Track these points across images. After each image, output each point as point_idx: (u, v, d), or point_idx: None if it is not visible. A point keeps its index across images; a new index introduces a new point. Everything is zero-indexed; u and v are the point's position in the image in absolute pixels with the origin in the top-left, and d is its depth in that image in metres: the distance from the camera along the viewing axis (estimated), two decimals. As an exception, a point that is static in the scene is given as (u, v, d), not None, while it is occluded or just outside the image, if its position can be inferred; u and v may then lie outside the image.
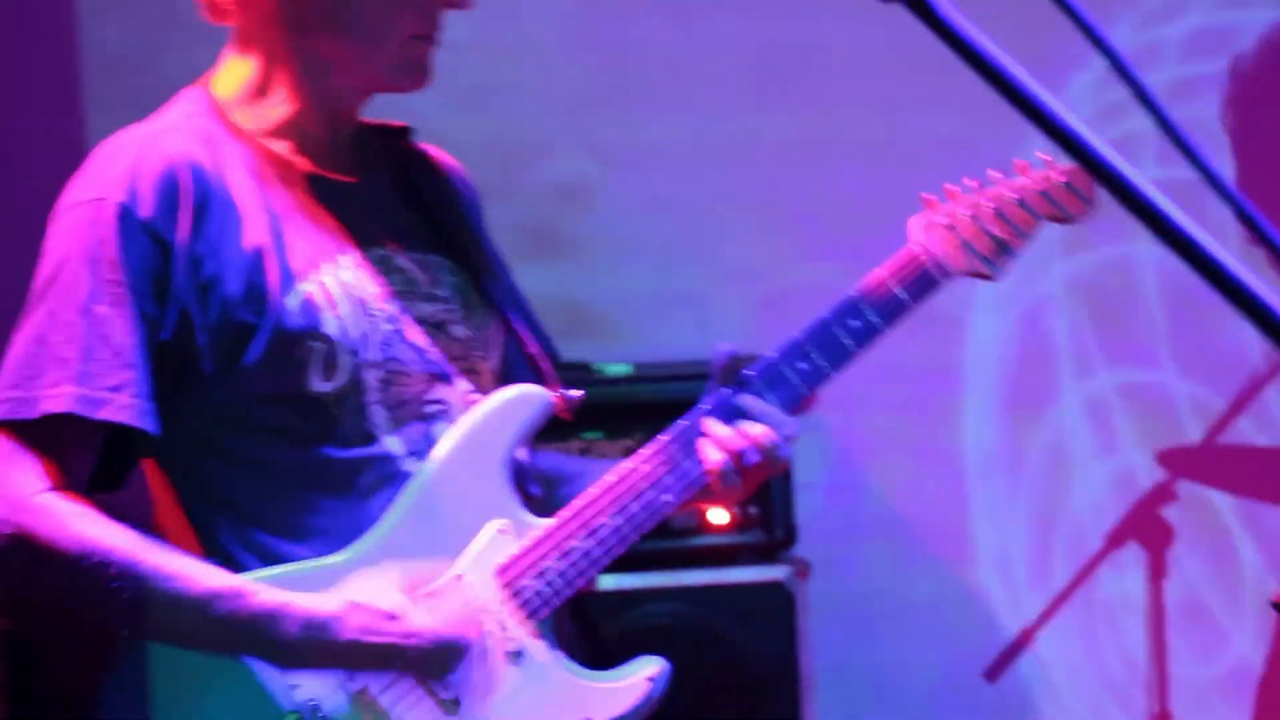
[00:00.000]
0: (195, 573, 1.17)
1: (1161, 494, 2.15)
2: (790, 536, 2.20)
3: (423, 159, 1.38)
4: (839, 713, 2.37)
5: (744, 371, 1.27)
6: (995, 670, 2.28)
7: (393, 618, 1.18)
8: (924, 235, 1.31)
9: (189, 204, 1.19)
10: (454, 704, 1.22)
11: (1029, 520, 2.47)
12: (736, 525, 2.18)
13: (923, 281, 1.30)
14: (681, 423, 1.27)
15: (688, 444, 1.26)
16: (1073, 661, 2.44)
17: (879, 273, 1.30)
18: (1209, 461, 2.25)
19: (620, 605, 2.15)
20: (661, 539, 2.10)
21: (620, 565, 1.74)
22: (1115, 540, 2.15)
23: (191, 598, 1.17)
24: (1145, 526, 2.13)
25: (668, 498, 1.25)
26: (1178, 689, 2.21)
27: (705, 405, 1.26)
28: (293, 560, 1.22)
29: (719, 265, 2.55)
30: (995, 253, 1.33)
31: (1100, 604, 2.32)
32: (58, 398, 1.14)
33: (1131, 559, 2.23)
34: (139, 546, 1.17)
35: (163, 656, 1.24)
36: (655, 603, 2.16)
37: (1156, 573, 2.09)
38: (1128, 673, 2.27)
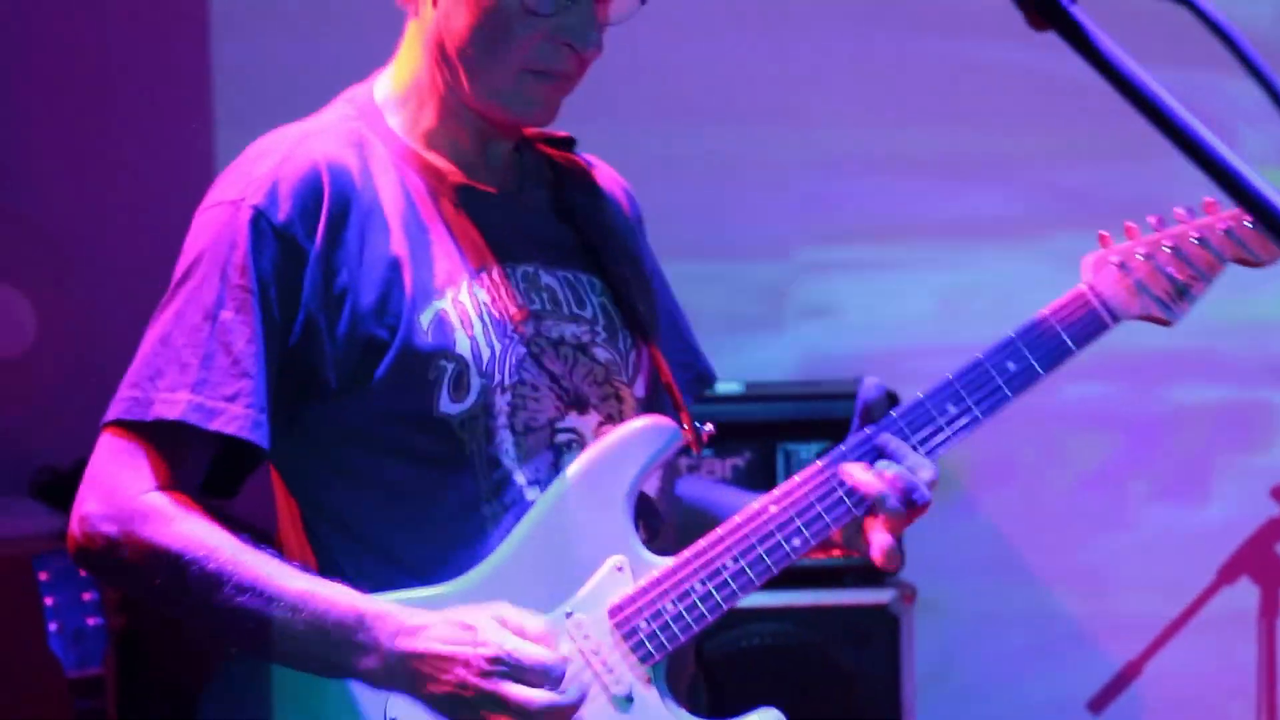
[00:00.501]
0: (293, 582, 1.13)
1: (1276, 529, 2.10)
2: (899, 561, 2.13)
3: (583, 173, 1.34)
4: None
5: (890, 412, 1.19)
6: (1101, 701, 2.25)
7: (493, 646, 1.11)
8: (1094, 275, 1.22)
9: (329, 210, 1.16)
10: None
11: (1139, 548, 2.41)
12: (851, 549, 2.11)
13: (1089, 324, 1.22)
14: (819, 464, 1.20)
15: (824, 487, 1.19)
16: (1180, 695, 2.34)
17: (1043, 312, 1.21)
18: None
19: (724, 624, 2.07)
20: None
21: None
22: (1228, 574, 2.11)
23: (283, 610, 1.13)
24: (1259, 561, 2.09)
25: (796, 543, 1.18)
26: None
27: (844, 446, 1.19)
28: (401, 589, 1.17)
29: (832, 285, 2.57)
30: (1172, 296, 1.24)
31: (1211, 638, 2.24)
32: (173, 404, 1.12)
33: (1244, 593, 2.17)
34: (241, 549, 1.14)
35: (275, 677, 1.22)
36: (760, 622, 2.15)
37: (1269, 609, 2.04)
38: (1236, 709, 2.21)
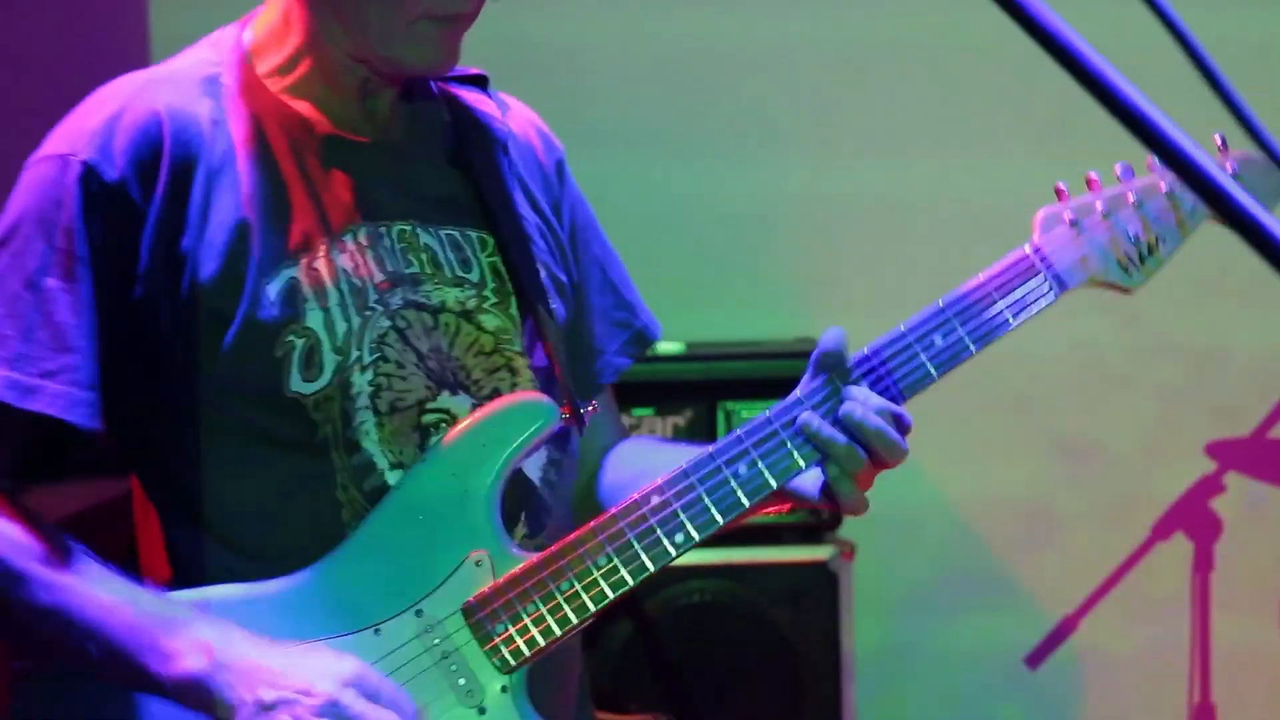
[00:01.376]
0: (104, 582, 1.05)
1: (1210, 486, 2.18)
2: (835, 518, 2.22)
3: (489, 116, 1.23)
4: (880, 694, 2.44)
5: (861, 353, 1.08)
6: (1037, 656, 2.31)
7: (323, 678, 1.02)
8: (1043, 233, 1.10)
9: (170, 166, 1.07)
10: None
11: (1077, 508, 2.49)
12: (792, 507, 2.13)
13: (1031, 293, 1.11)
14: (770, 412, 1.08)
15: (777, 428, 1.08)
16: (1116, 650, 2.45)
17: (979, 278, 1.10)
18: (1258, 454, 2.28)
19: (662, 581, 2.08)
20: (758, 520, 2.25)
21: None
22: (1162, 531, 2.19)
23: (91, 609, 1.05)
24: (1193, 518, 2.16)
25: (722, 496, 1.08)
26: (1220, 680, 2.24)
27: (799, 395, 1.08)
28: (239, 576, 1.10)
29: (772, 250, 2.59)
30: (1134, 260, 1.13)
31: (1145, 594, 2.33)
32: None
33: (1178, 550, 2.26)
34: (52, 545, 1.06)
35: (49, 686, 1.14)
36: (698, 579, 2.17)
37: (1202, 565, 2.12)
38: (1170, 662, 2.30)
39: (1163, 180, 1.12)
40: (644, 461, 1.20)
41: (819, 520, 2.20)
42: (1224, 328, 2.56)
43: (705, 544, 1.09)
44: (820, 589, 2.19)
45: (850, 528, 2.24)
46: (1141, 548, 2.28)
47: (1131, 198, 1.11)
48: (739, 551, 2.17)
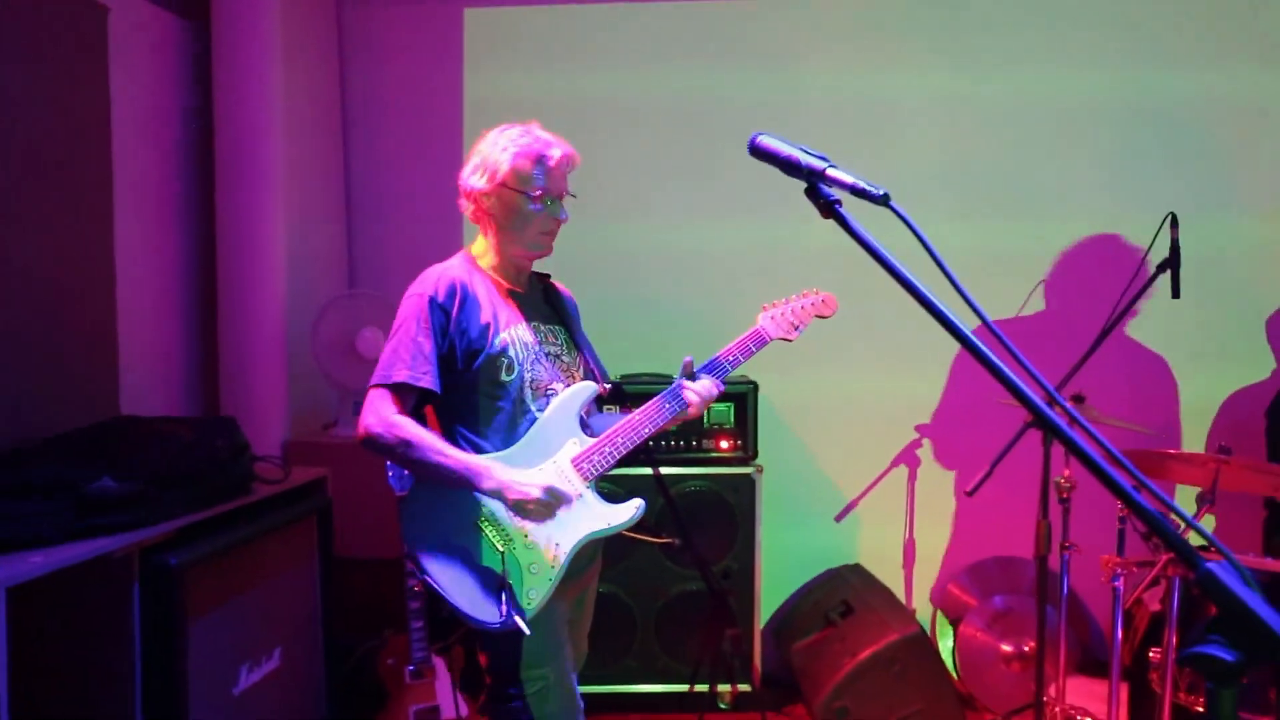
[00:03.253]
0: (451, 451, 2.11)
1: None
2: (754, 454, 3.66)
3: (554, 287, 2.41)
4: (774, 532, 3.85)
5: (697, 369, 2.26)
6: (840, 515, 4.13)
7: (530, 482, 2.10)
8: (762, 319, 2.34)
9: (458, 298, 2.16)
10: (553, 517, 2.14)
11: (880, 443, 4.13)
12: (734, 448, 3.64)
13: (759, 341, 2.31)
14: (668, 390, 2.23)
15: (673, 397, 2.22)
16: (878, 517, 4.09)
17: (742, 337, 2.31)
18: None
19: (677, 481, 3.57)
20: (700, 452, 3.63)
21: (678, 463, 3.52)
22: (896, 461, 4.17)
23: (447, 463, 2.09)
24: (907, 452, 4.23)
25: (650, 429, 2.21)
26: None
27: (680, 381, 2.23)
28: (486, 452, 2.17)
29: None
30: (790, 330, 2.35)
31: (886, 492, 4.15)
32: (402, 374, 2.11)
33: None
34: (429, 436, 2.10)
35: (426, 492, 2.16)
36: (693, 481, 3.60)
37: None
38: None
39: (804, 301, 2.37)
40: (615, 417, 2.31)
41: (747, 454, 3.62)
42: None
43: (651, 444, 2.26)
44: (747, 486, 3.62)
45: (763, 459, 3.65)
46: (891, 465, 4.30)
47: (794, 306, 2.35)
48: (712, 469, 3.58)
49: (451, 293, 2.18)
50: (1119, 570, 2.96)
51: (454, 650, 3.23)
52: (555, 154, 2.23)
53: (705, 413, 3.66)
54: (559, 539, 2.16)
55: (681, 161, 4.11)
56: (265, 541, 2.78)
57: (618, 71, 4.07)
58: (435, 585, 2.10)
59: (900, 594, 4.05)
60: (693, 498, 3.61)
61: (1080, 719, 3.51)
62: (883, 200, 1.28)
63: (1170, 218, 3.17)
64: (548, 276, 2.42)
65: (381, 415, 2.11)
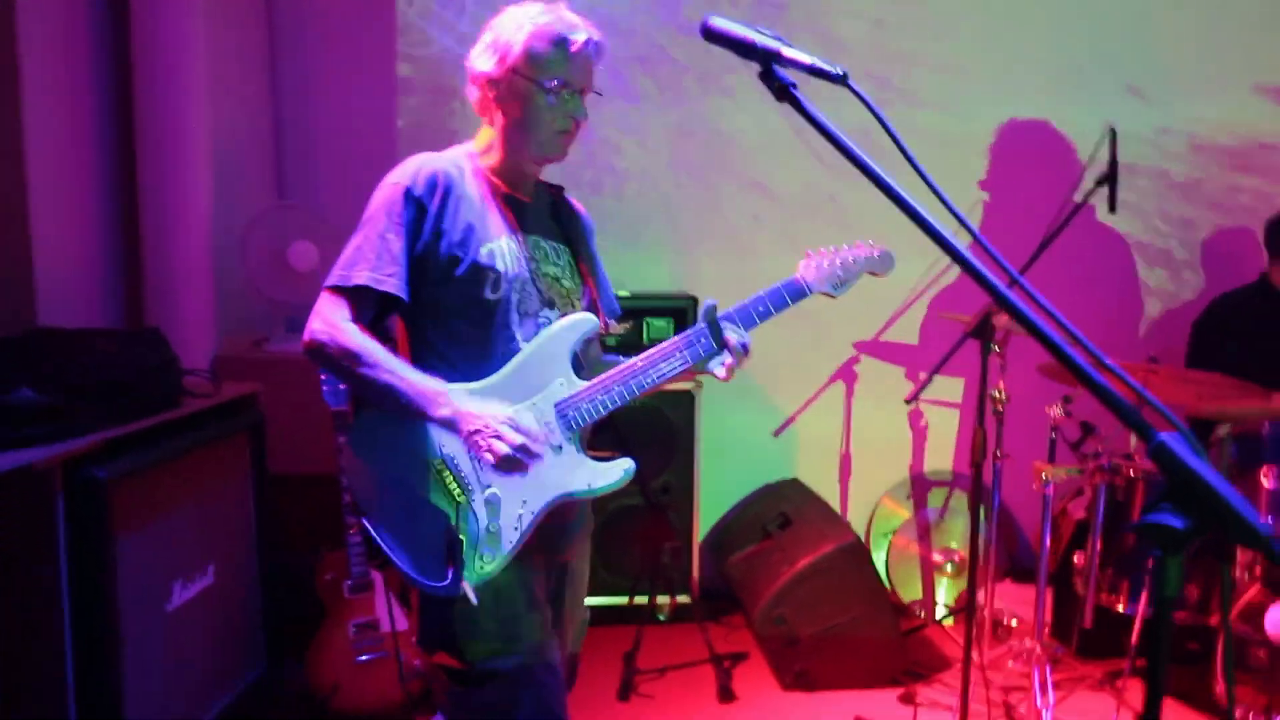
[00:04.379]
0: (405, 371, 1.76)
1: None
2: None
3: (566, 202, 2.06)
4: (713, 447, 3.88)
5: (724, 313, 1.87)
6: (778, 431, 4.23)
7: (497, 415, 1.74)
8: (802, 268, 1.99)
9: (440, 192, 1.82)
10: (519, 468, 1.75)
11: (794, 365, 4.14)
12: None
13: (798, 292, 1.96)
14: (676, 337, 1.87)
15: (694, 342, 1.85)
16: (815, 433, 4.22)
17: (777, 284, 1.95)
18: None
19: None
20: None
21: None
22: (833, 378, 4.23)
23: (398, 384, 1.75)
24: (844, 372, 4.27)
25: (652, 381, 1.85)
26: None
27: (696, 330, 1.85)
28: (458, 382, 1.79)
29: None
30: (837, 284, 2.01)
31: (824, 407, 4.34)
32: (361, 276, 1.77)
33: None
34: (384, 354, 1.76)
35: (378, 419, 1.82)
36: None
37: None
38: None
39: (851, 251, 2.01)
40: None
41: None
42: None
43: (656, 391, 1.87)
44: (687, 401, 3.72)
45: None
46: (824, 385, 4.23)
47: (839, 257, 2.00)
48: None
49: (432, 185, 1.84)
50: (1049, 478, 3.04)
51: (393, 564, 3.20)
52: (579, 38, 1.87)
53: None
54: (526, 496, 1.80)
55: (670, 73, 4.00)
56: (196, 457, 2.71)
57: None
58: (373, 531, 1.80)
59: (837, 507, 4.11)
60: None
61: (1009, 621, 3.64)
62: (841, 80, 1.24)
63: (1111, 132, 3.20)
64: (560, 189, 2.06)
65: (329, 320, 1.78)
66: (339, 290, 1.81)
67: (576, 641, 2.11)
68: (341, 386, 2.88)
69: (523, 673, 1.80)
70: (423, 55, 4.03)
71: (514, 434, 1.74)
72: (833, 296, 2.01)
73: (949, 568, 4.04)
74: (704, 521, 3.90)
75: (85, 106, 3.20)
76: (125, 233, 3.37)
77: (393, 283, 1.80)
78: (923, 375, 3.33)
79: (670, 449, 3.71)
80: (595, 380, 1.86)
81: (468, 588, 1.75)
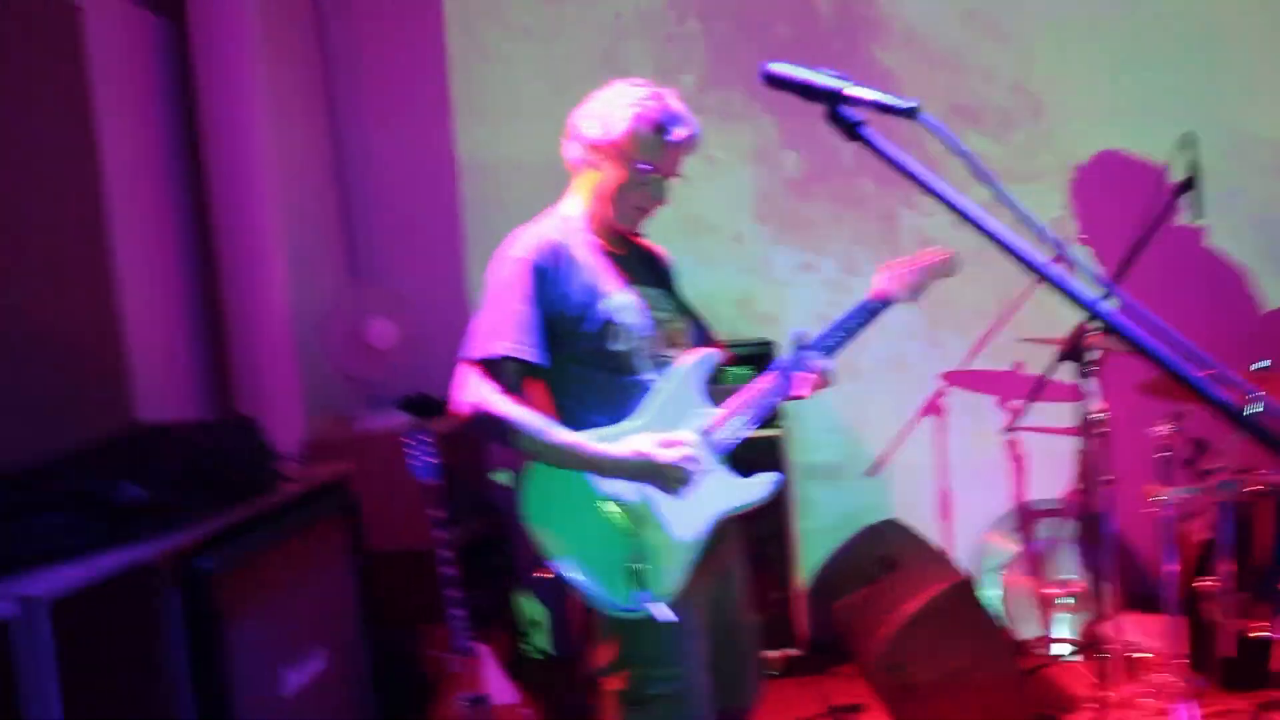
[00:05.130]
0: (558, 431, 1.94)
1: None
2: (777, 415, 3.58)
3: (653, 249, 2.25)
4: (807, 493, 3.96)
5: (808, 342, 2.09)
6: (872, 472, 4.11)
7: (662, 444, 1.94)
8: (881, 282, 2.21)
9: (558, 261, 1.99)
10: (691, 484, 1.98)
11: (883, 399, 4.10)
12: None
13: (882, 305, 2.19)
14: (780, 363, 2.10)
15: (786, 374, 2.08)
16: (909, 470, 4.09)
17: (863, 299, 2.18)
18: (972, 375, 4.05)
19: None
20: None
21: None
22: (923, 411, 4.07)
23: (556, 442, 1.94)
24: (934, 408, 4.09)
25: (775, 399, 2.08)
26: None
27: (791, 356, 2.07)
28: (600, 427, 1.99)
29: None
30: (914, 292, 2.24)
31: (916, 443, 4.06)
32: (504, 347, 1.94)
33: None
34: (535, 418, 1.94)
35: (544, 469, 1.98)
36: None
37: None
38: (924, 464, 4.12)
39: (923, 260, 2.25)
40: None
41: (771, 418, 3.44)
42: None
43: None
44: (774, 448, 3.60)
45: (788, 419, 3.65)
46: (913, 420, 4.02)
47: (913, 266, 2.25)
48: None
49: (553, 254, 2.01)
50: (1169, 498, 2.89)
51: (497, 637, 3.19)
52: (681, 131, 2.03)
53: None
54: (691, 517, 2.01)
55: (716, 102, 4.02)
56: (294, 542, 2.72)
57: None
58: (560, 572, 1.93)
59: (939, 546, 3.96)
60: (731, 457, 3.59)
61: (1143, 656, 3.45)
62: (911, 113, 1.22)
63: (1189, 138, 3.09)
64: (638, 235, 2.21)
65: (479, 395, 1.94)
66: (477, 363, 1.96)
67: (752, 639, 2.29)
68: (432, 461, 2.92)
69: (684, 693, 1.99)
70: (477, 133, 4.10)
71: (692, 447, 1.99)
72: (914, 302, 2.25)
73: (1066, 600, 3.86)
74: (804, 570, 3.84)
75: (163, 194, 3.31)
76: (208, 320, 3.44)
77: (533, 351, 1.97)
78: (1016, 403, 3.22)
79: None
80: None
81: (660, 607, 1.92)
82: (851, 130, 1.24)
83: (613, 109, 2.02)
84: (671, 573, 1.97)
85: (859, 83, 1.26)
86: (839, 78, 1.27)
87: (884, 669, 3.36)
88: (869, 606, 3.63)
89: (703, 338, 2.24)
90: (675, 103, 2.06)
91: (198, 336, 3.39)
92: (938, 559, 3.64)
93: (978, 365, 4.03)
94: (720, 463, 2.07)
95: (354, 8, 4.12)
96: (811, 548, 3.96)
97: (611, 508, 1.97)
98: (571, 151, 2.09)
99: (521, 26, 4.14)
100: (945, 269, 2.29)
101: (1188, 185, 3.12)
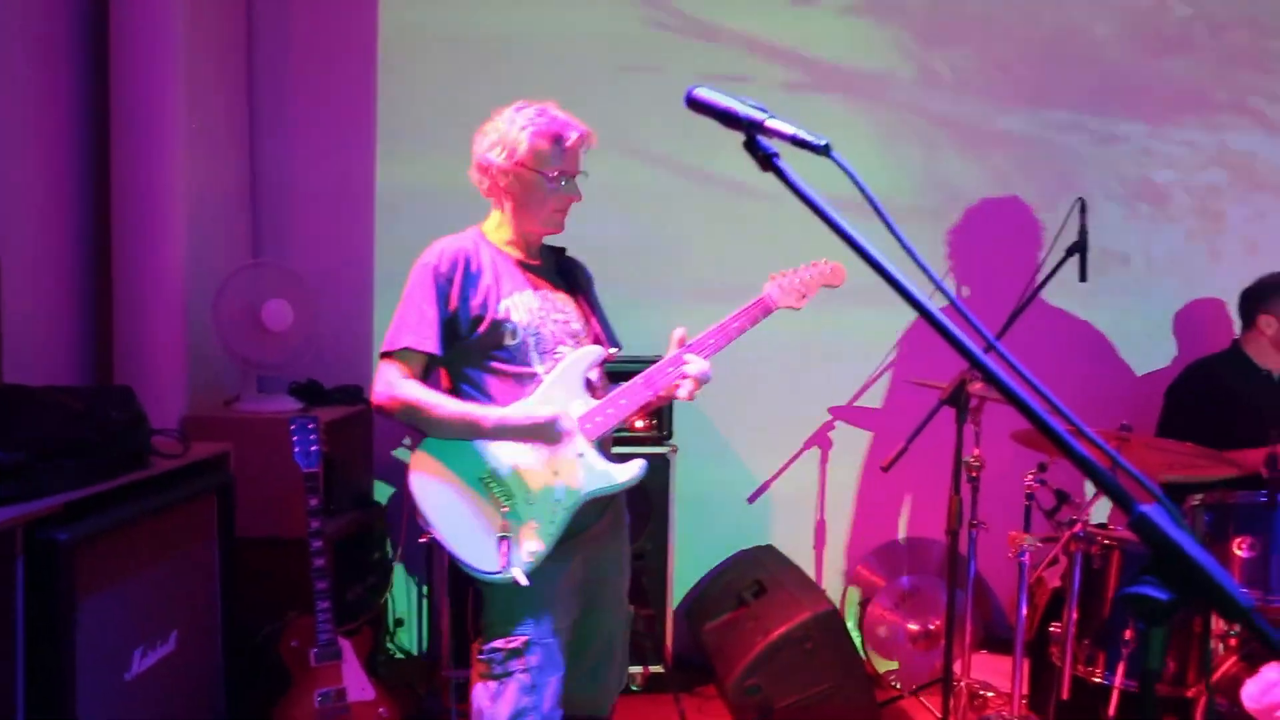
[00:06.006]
0: (451, 403, 2.23)
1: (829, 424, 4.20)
2: (670, 434, 3.72)
3: (568, 258, 2.49)
4: (688, 513, 3.85)
5: (688, 342, 2.29)
6: (753, 497, 4.20)
7: (536, 410, 2.21)
8: (768, 287, 2.39)
9: (460, 268, 2.27)
10: (555, 474, 2.22)
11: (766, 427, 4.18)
12: (649, 428, 3.68)
13: (765, 310, 2.37)
14: (670, 358, 2.29)
15: (675, 363, 2.28)
16: (790, 498, 4.20)
17: (745, 305, 2.34)
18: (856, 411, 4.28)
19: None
20: (616, 432, 3.72)
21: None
22: (808, 444, 4.24)
23: (450, 413, 2.22)
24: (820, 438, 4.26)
25: (648, 394, 2.29)
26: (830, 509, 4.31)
27: (670, 356, 2.29)
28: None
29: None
30: (798, 298, 2.41)
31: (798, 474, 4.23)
32: (405, 340, 2.23)
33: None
34: (432, 394, 2.23)
35: (433, 445, 2.24)
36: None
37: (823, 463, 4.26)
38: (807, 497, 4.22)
39: (809, 270, 2.42)
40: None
41: (663, 435, 3.67)
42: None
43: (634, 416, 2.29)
44: (662, 467, 3.64)
45: (678, 440, 3.69)
46: (798, 453, 4.16)
47: (797, 277, 2.40)
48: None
49: (454, 263, 2.28)
50: (1025, 546, 3.03)
51: (362, 632, 3.14)
52: (573, 135, 2.28)
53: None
54: (559, 495, 2.23)
55: (615, 102, 4.02)
56: (162, 519, 2.65)
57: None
58: (437, 535, 2.20)
59: (812, 575, 4.08)
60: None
61: (985, 694, 3.60)
62: (824, 150, 1.26)
63: (1080, 203, 3.26)
64: (563, 250, 2.49)
65: (387, 381, 2.23)
66: (389, 356, 2.25)
67: (624, 624, 2.51)
68: (315, 449, 2.94)
69: (537, 653, 2.23)
70: (402, 120, 4.05)
71: (550, 417, 2.22)
72: (796, 309, 2.40)
73: (924, 638, 4.00)
74: (678, 589, 3.86)
75: (59, 159, 3.19)
76: (97, 289, 3.33)
77: (430, 343, 2.26)
78: (898, 442, 3.33)
79: (644, 515, 3.65)
80: (606, 398, 2.30)
81: (518, 572, 2.15)
82: (766, 160, 1.27)
83: (510, 134, 2.27)
84: (534, 544, 2.19)
85: (777, 116, 1.29)
86: (759, 109, 1.31)
87: (743, 691, 3.42)
88: (735, 629, 3.69)
89: (609, 340, 2.42)
90: (560, 113, 2.31)
91: (83, 303, 3.26)
92: (808, 587, 3.72)
93: (864, 402, 4.19)
94: (592, 447, 2.27)
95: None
96: (687, 570, 3.98)
97: (490, 484, 2.21)
98: (481, 181, 2.33)
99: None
100: (832, 279, 2.43)
101: (1077, 248, 3.28)
